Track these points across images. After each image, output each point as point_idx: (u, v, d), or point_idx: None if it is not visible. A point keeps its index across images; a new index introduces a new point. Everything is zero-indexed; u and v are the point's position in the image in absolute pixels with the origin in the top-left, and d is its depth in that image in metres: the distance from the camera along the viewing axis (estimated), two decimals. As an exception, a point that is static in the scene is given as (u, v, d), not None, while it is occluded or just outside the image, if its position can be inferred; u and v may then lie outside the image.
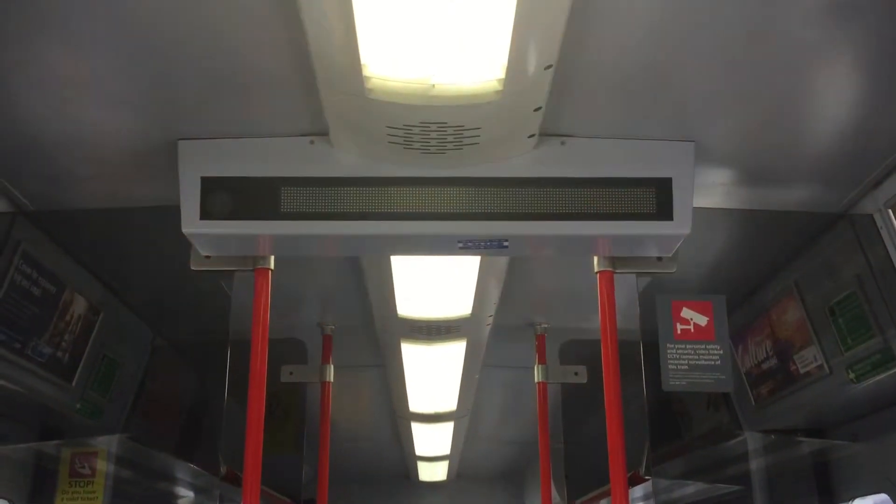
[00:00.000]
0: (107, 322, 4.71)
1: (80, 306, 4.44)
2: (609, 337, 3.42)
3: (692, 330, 3.48)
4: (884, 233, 3.63)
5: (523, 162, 3.16)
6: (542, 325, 5.36)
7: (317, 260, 4.30)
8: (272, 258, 3.44)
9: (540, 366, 5.35)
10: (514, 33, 2.41)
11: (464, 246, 3.28)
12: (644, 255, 3.43)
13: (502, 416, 8.04)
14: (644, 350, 3.83)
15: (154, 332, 5.40)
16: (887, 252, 3.64)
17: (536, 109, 2.87)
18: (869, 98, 2.98)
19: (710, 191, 3.55)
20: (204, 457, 5.51)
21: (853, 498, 4.85)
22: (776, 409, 4.95)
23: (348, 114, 2.92)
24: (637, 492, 5.46)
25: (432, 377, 5.90)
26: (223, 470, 4.63)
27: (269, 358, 3.38)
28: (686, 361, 3.45)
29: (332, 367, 5.31)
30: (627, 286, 3.66)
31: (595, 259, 3.47)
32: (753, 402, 5.14)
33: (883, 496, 4.48)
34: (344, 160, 3.16)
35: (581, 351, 5.39)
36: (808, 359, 4.41)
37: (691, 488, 6.08)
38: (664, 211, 3.16)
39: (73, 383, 4.57)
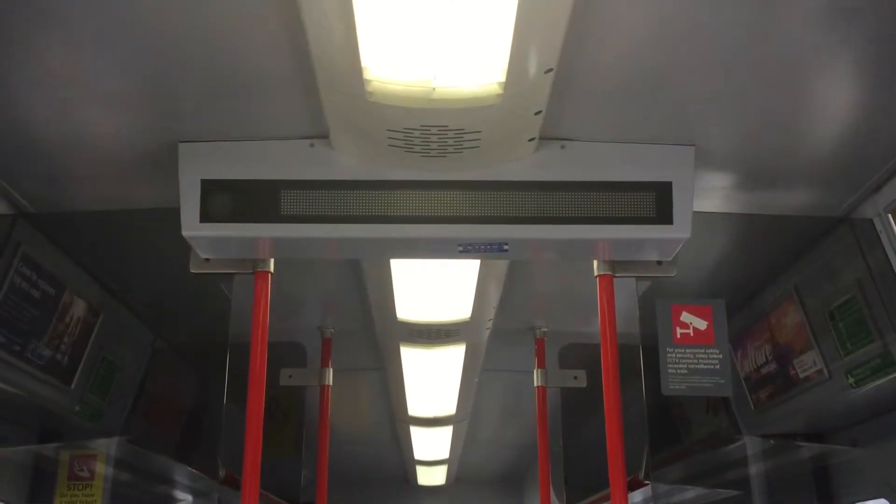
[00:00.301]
0: (106, 324, 4.70)
1: (79, 308, 4.44)
2: (609, 341, 3.41)
3: (692, 334, 3.48)
4: (884, 237, 3.63)
5: (523, 165, 3.16)
6: (542, 329, 5.35)
7: (317, 263, 4.30)
8: (272, 261, 3.44)
9: (539, 370, 5.35)
10: (514, 37, 2.41)
11: (464, 249, 3.28)
12: (644, 258, 3.43)
13: (502, 420, 8.03)
14: (644, 354, 3.83)
15: (153, 335, 5.39)
16: (887, 256, 3.64)
17: (537, 113, 2.88)
18: (869, 102, 2.98)
19: (710, 194, 3.55)
20: (203, 460, 5.51)
21: (853, 503, 4.85)
22: (775, 414, 4.94)
23: (349, 116, 2.92)
24: (636, 496, 5.45)
25: (432, 381, 5.90)
26: (222, 473, 4.63)
27: (269, 361, 3.38)
28: (685, 365, 3.45)
29: (331, 370, 5.30)
30: (627, 290, 3.65)
31: (595, 263, 3.47)
32: (753, 407, 5.13)
33: (882, 501, 4.47)
34: (344, 163, 3.16)
35: (580, 355, 5.38)
36: (807, 363, 4.40)
37: (691, 493, 6.07)
38: (664, 215, 3.16)
39: (73, 386, 4.57)
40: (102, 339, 4.71)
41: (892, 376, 3.79)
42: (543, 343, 5.37)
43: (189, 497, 6.67)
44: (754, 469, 5.64)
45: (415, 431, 7.45)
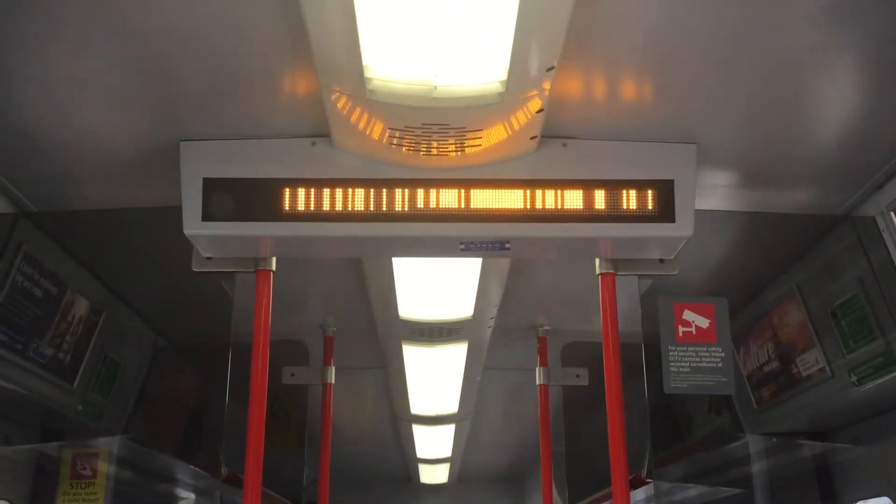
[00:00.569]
0: (108, 323, 4.71)
1: (81, 307, 4.44)
2: (611, 339, 3.41)
3: (694, 332, 3.47)
4: (886, 235, 3.62)
5: (525, 163, 3.16)
6: (544, 328, 5.35)
7: (318, 261, 4.30)
8: (274, 259, 3.44)
9: (541, 368, 5.34)
10: (516, 35, 2.41)
11: (465, 248, 3.28)
12: (646, 257, 3.43)
13: (504, 418, 8.03)
14: (646, 352, 3.83)
15: (156, 334, 5.40)
16: (889, 254, 3.64)
17: (538, 111, 2.87)
18: (871, 101, 2.97)
19: (712, 193, 3.54)
20: (205, 458, 5.51)
21: (855, 501, 4.84)
22: (778, 412, 4.94)
23: (350, 115, 2.92)
24: (639, 494, 5.45)
25: (434, 379, 5.90)
26: (224, 471, 4.63)
27: (271, 359, 3.38)
28: (688, 364, 3.44)
29: (333, 368, 5.30)
30: (629, 288, 3.65)
31: (597, 261, 3.47)
32: (755, 405, 5.13)
33: (885, 499, 4.47)
34: (346, 161, 3.16)
35: (583, 353, 5.38)
36: (809, 361, 4.40)
37: (693, 491, 6.07)
38: (666, 213, 3.15)
39: (75, 384, 4.57)
40: (104, 338, 4.71)
41: (894, 374, 3.78)
42: (545, 341, 5.37)
43: (191, 495, 6.67)
44: (757, 467, 5.63)
45: (417, 430, 7.45)
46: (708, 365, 3.44)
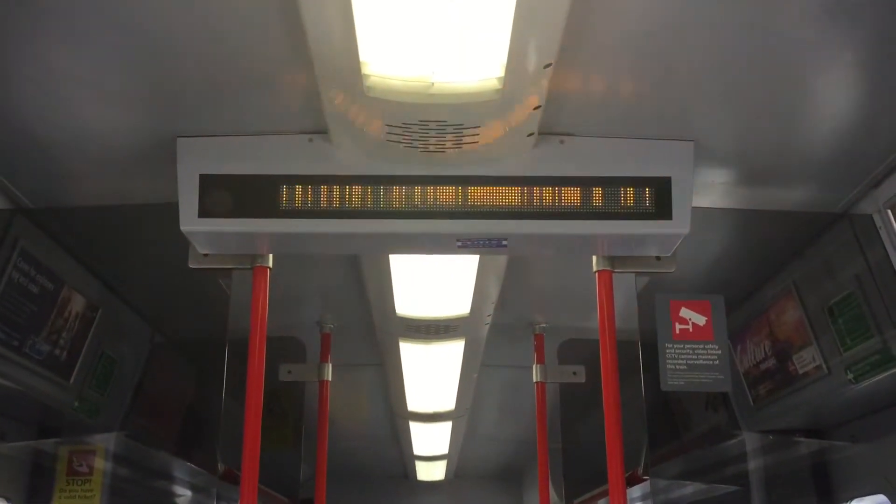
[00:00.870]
0: (105, 320, 4.70)
1: (78, 304, 4.43)
2: (607, 336, 3.41)
3: (691, 330, 3.48)
4: (883, 233, 3.62)
5: (522, 160, 3.16)
6: (541, 325, 5.35)
7: (316, 258, 4.30)
8: (271, 256, 3.44)
9: (538, 365, 5.35)
10: (513, 31, 2.40)
11: (462, 245, 3.28)
12: (643, 254, 3.43)
13: (501, 415, 8.04)
14: (643, 350, 3.83)
15: (152, 330, 5.39)
16: (886, 252, 3.64)
17: (536, 108, 2.87)
18: (868, 98, 2.97)
19: (709, 190, 3.54)
20: (202, 455, 5.51)
21: (851, 499, 4.85)
22: (774, 410, 4.95)
23: (347, 111, 2.92)
24: (635, 492, 5.46)
25: (431, 376, 5.90)
26: (221, 468, 4.63)
27: (268, 356, 3.38)
28: (684, 361, 3.45)
29: (330, 365, 5.30)
30: (626, 286, 3.65)
31: (594, 258, 3.47)
32: (752, 403, 5.14)
33: (881, 497, 4.47)
34: (343, 158, 3.16)
35: (580, 350, 5.39)
36: (806, 359, 4.40)
37: (689, 488, 6.08)
38: (663, 210, 3.15)
39: (71, 381, 4.57)
40: (101, 335, 4.71)
41: (891, 372, 3.78)
42: (542, 339, 5.37)
43: (188, 492, 6.67)
44: (753, 465, 5.64)
45: (414, 427, 7.46)
46: (704, 362, 3.45)
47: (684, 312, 3.48)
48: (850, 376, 4.05)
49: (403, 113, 2.83)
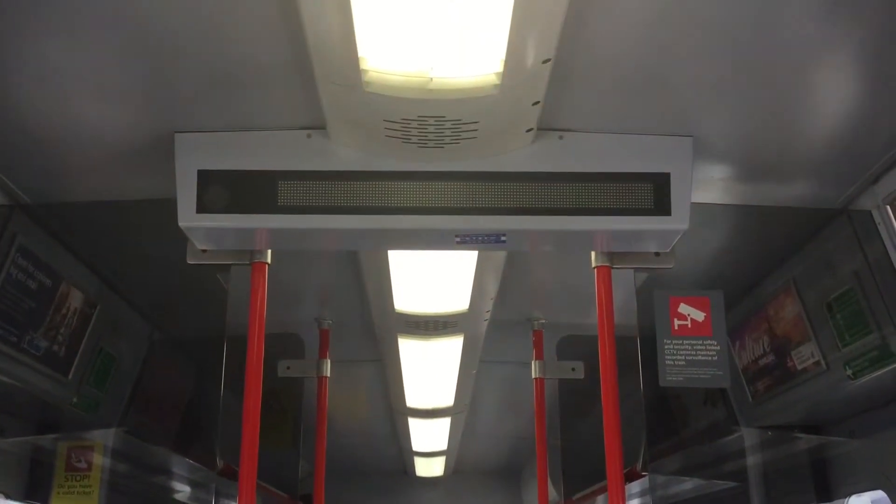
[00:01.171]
0: (103, 316, 4.70)
1: (76, 300, 4.43)
2: (606, 332, 3.41)
3: (689, 325, 3.47)
4: (882, 229, 3.62)
5: (521, 156, 3.15)
6: (540, 321, 5.35)
7: (314, 254, 4.29)
8: (269, 252, 3.43)
9: (537, 361, 5.34)
10: (512, 27, 2.40)
11: (461, 240, 3.28)
12: (642, 250, 3.43)
13: (499, 411, 8.04)
14: (641, 346, 3.83)
15: (151, 326, 5.39)
16: (885, 248, 3.64)
17: (534, 103, 2.87)
18: (868, 93, 2.97)
19: (708, 186, 3.54)
20: (200, 451, 5.51)
21: (850, 494, 4.85)
22: (773, 406, 4.95)
23: (346, 107, 2.91)
24: (634, 488, 5.45)
25: (429, 372, 5.90)
26: (219, 464, 4.63)
27: (266, 352, 3.37)
28: (683, 357, 3.44)
29: (329, 361, 5.30)
30: (625, 281, 3.65)
31: (593, 254, 3.47)
32: (750, 399, 5.14)
33: (880, 493, 4.48)
34: (341, 154, 3.15)
35: (578, 347, 5.38)
36: (805, 355, 4.40)
37: (688, 484, 6.08)
38: (662, 206, 3.15)
39: (70, 377, 4.56)
40: (99, 331, 4.71)
41: (889, 368, 3.78)
42: (541, 335, 5.37)
43: (187, 488, 6.68)
44: (752, 460, 5.64)
45: (413, 423, 7.46)
46: (703, 358, 3.44)
47: (683, 308, 3.48)
48: (849, 372, 4.05)
49: (402, 108, 2.82)
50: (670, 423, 6.23)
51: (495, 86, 2.69)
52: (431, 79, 2.73)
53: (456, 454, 9.22)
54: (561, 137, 3.17)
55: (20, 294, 3.94)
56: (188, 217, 3.15)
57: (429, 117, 2.87)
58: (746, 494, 5.66)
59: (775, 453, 5.52)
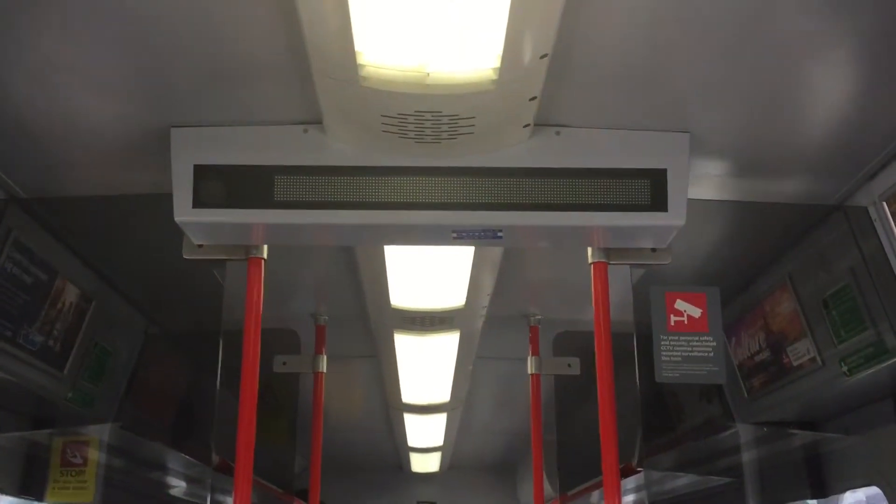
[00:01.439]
0: (99, 310, 4.69)
1: (71, 294, 4.42)
2: (602, 328, 3.41)
3: (686, 322, 3.48)
4: (878, 225, 3.62)
5: (518, 152, 3.15)
6: (536, 317, 5.35)
7: (310, 249, 4.29)
8: (265, 247, 3.43)
9: (533, 357, 5.34)
10: (509, 22, 2.39)
11: (458, 236, 3.27)
12: (638, 246, 3.42)
13: (495, 407, 8.04)
14: (637, 342, 3.83)
15: (146, 321, 5.38)
16: (881, 244, 3.64)
17: (531, 99, 2.86)
18: (864, 90, 2.97)
19: (704, 182, 3.54)
20: (196, 446, 5.50)
21: (845, 490, 4.86)
22: (769, 402, 4.96)
23: (342, 102, 2.91)
24: (629, 483, 5.46)
25: (425, 368, 5.90)
26: (215, 460, 4.63)
27: (262, 348, 3.37)
28: (679, 353, 3.45)
29: (325, 357, 5.30)
30: (621, 277, 3.65)
31: (589, 250, 3.47)
32: (746, 395, 5.15)
33: (874, 489, 4.49)
34: (338, 149, 3.14)
35: (574, 342, 5.38)
36: (801, 351, 4.41)
37: (683, 480, 6.09)
38: (659, 202, 3.15)
39: (65, 372, 4.56)
40: (95, 326, 4.70)
41: (885, 364, 3.79)
42: (537, 330, 5.37)
43: (182, 483, 6.67)
44: (747, 456, 5.66)
45: (408, 418, 7.46)
46: (699, 354, 3.45)
47: (679, 304, 3.48)
48: (845, 368, 4.06)
49: (399, 103, 2.82)
50: (666, 419, 6.24)
51: (492, 81, 2.69)
52: (428, 74, 2.72)
53: (452, 450, 9.23)
54: (558, 133, 3.17)
55: (15, 288, 3.93)
56: (184, 212, 3.14)
57: (425, 112, 2.86)
58: (742, 490, 5.67)
59: (770, 449, 5.53)
